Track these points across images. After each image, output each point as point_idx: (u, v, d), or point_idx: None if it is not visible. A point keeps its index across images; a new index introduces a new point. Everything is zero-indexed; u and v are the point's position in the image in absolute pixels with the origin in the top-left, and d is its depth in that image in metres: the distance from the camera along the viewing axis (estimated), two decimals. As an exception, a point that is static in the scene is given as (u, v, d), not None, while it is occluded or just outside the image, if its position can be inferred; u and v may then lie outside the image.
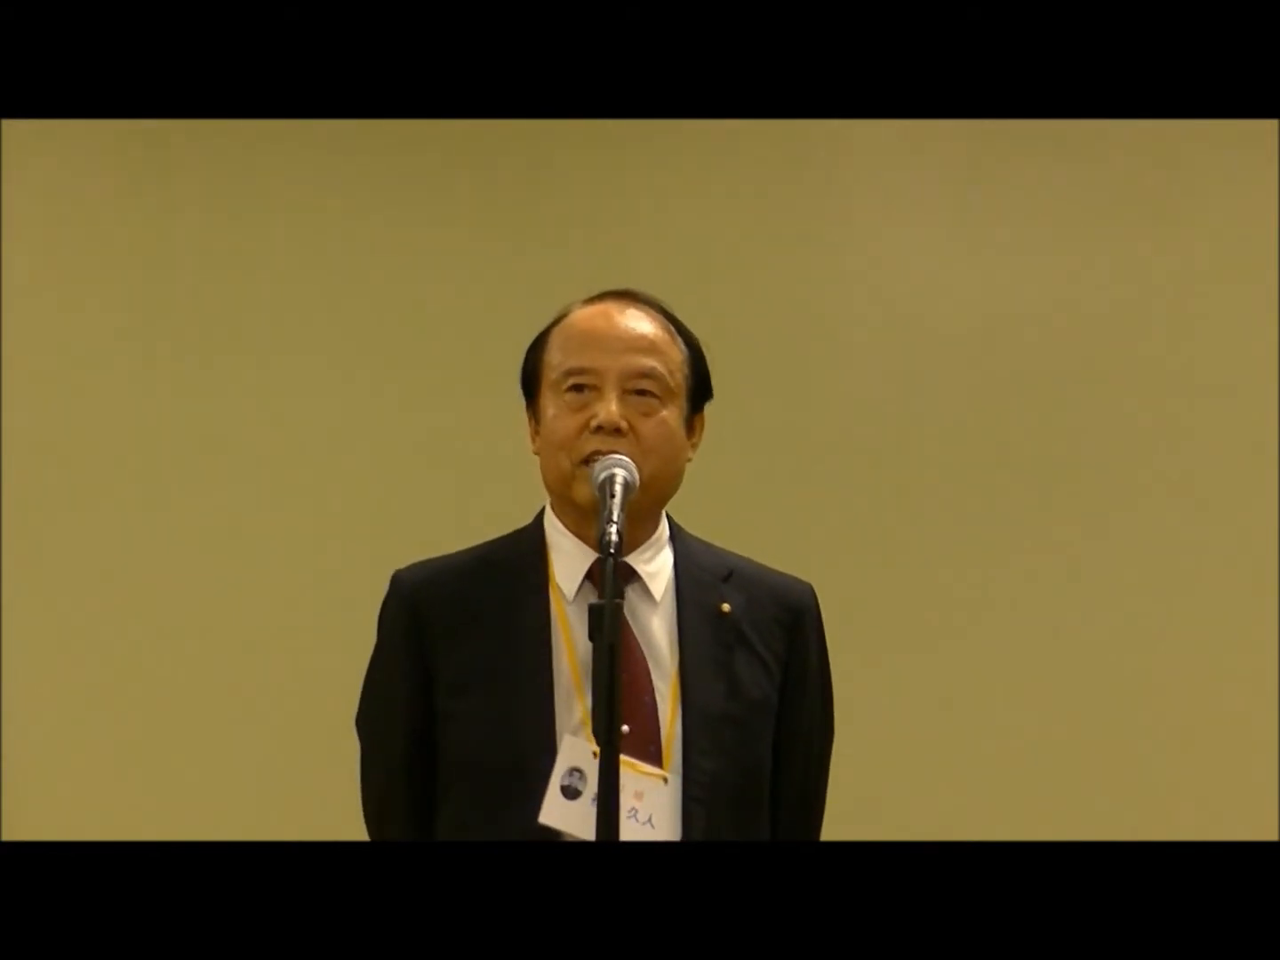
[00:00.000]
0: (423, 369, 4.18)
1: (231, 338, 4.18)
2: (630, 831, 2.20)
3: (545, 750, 2.25)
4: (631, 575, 2.33)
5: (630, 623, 2.30)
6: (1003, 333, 4.17)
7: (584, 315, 2.38)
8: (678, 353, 2.37)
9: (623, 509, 2.17)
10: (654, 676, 2.31)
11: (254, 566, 4.14)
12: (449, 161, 4.19)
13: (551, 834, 2.24)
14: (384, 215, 4.21)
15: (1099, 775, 4.07)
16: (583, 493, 2.28)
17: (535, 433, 2.39)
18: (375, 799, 2.41)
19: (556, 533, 2.38)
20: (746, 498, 4.04)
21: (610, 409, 2.29)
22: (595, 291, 2.42)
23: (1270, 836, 3.92)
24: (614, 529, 2.12)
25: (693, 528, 2.45)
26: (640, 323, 2.36)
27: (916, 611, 4.12)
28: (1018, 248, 4.20)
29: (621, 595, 2.13)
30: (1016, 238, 4.20)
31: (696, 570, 2.39)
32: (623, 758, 2.15)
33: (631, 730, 2.24)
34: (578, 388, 2.32)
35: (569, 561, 2.35)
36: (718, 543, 2.46)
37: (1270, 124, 4.04)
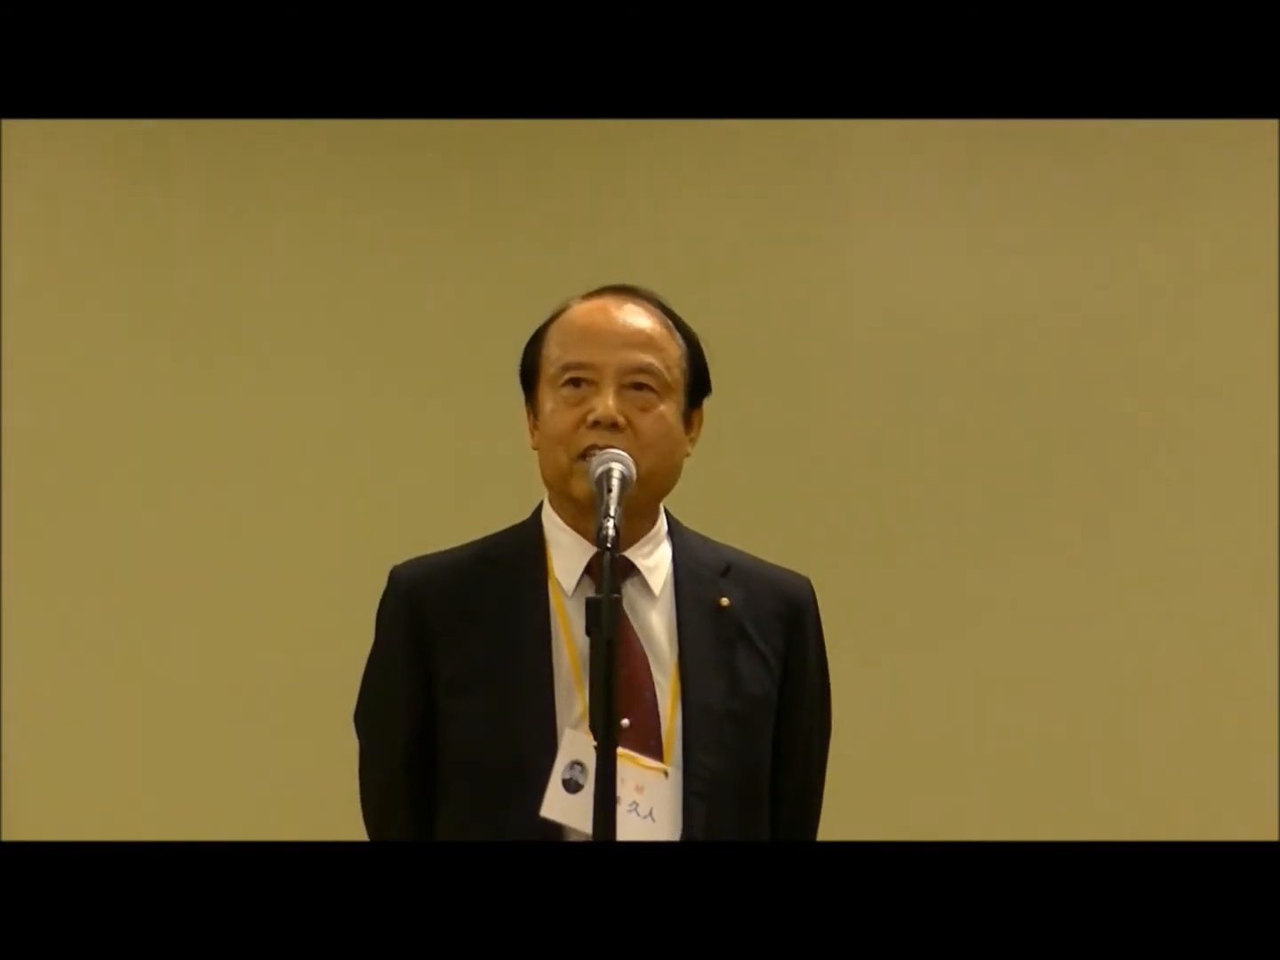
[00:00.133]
0: (421, 367, 4.18)
1: (231, 337, 4.19)
2: (631, 825, 2.21)
3: (546, 747, 2.25)
4: (630, 570, 2.34)
5: (630, 617, 2.30)
6: (1003, 332, 4.17)
7: (582, 310, 2.38)
8: (675, 348, 2.37)
9: (620, 504, 2.17)
10: (654, 671, 2.31)
11: (252, 565, 4.14)
12: (448, 161, 4.19)
13: (553, 828, 2.24)
14: (383, 215, 4.21)
15: (1099, 775, 4.07)
16: (580, 487, 2.28)
17: (534, 428, 2.39)
18: (375, 797, 2.41)
19: (555, 528, 2.38)
20: (746, 495, 4.04)
21: (607, 403, 2.30)
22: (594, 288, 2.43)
23: (1270, 836, 3.92)
24: (611, 524, 2.12)
25: (692, 524, 2.45)
26: (638, 318, 2.36)
27: (915, 611, 4.12)
28: (1018, 247, 4.20)
29: (620, 590, 2.12)
30: (1017, 237, 4.20)
31: (695, 565, 2.39)
32: (624, 752, 2.16)
33: (632, 724, 2.24)
34: (575, 382, 2.33)
35: (568, 556, 2.35)
36: (716, 539, 2.46)
37: (1270, 124, 4.04)
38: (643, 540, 2.36)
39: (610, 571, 2.06)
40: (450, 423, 4.14)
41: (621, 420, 2.29)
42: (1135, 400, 4.15)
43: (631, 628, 2.31)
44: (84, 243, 4.21)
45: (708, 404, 2.43)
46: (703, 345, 2.41)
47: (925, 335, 4.17)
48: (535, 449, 2.38)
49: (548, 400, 2.34)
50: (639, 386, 2.32)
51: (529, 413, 2.41)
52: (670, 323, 2.38)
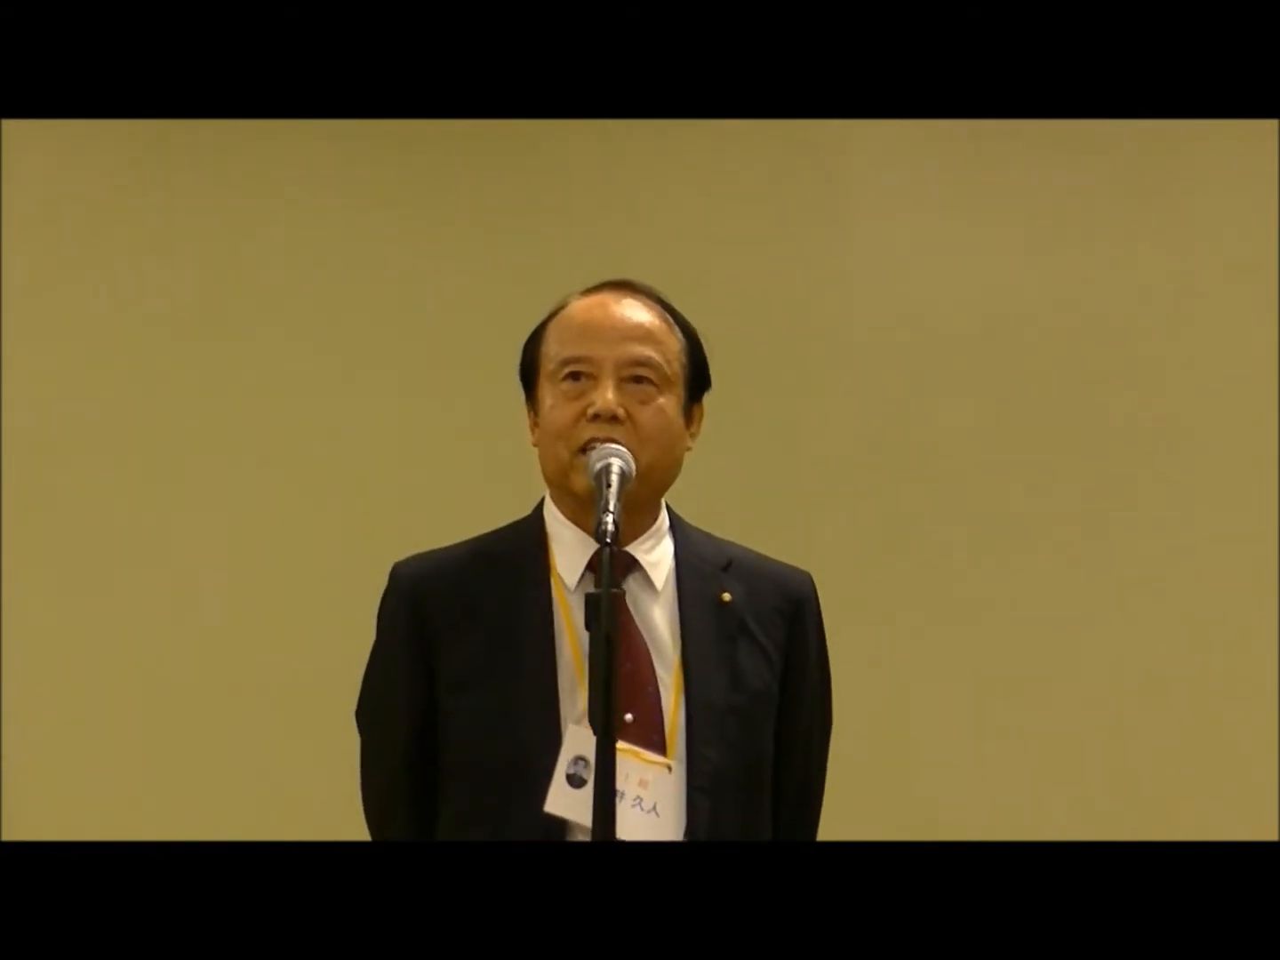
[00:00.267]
0: (422, 364, 4.18)
1: (232, 334, 4.18)
2: (635, 820, 2.21)
3: (549, 742, 2.25)
4: (633, 565, 2.34)
5: (632, 612, 2.31)
6: (1002, 330, 4.17)
7: (581, 306, 2.38)
8: (675, 342, 2.37)
9: (619, 499, 2.17)
10: (656, 666, 2.31)
11: (253, 562, 4.14)
12: (450, 158, 4.19)
13: (557, 823, 2.24)
14: (384, 213, 4.20)
15: (1099, 775, 4.07)
16: (580, 482, 2.28)
17: (534, 424, 2.39)
18: (376, 795, 2.41)
19: (556, 523, 2.38)
20: (746, 491, 4.05)
21: (607, 396, 2.30)
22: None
23: (1270, 836, 3.92)
24: (610, 519, 2.12)
25: (693, 519, 2.45)
26: (637, 312, 2.36)
27: (914, 608, 4.11)
28: (1018, 245, 4.20)
29: (622, 585, 2.12)
30: (1017, 235, 4.20)
31: (697, 560, 2.39)
32: (627, 746, 2.17)
33: (635, 719, 2.25)
34: (575, 376, 2.33)
35: (570, 552, 2.35)
36: (717, 534, 2.46)
37: (1270, 124, 4.04)
38: (644, 535, 2.36)
39: (609, 566, 2.06)
40: (451, 419, 4.14)
41: (621, 413, 2.29)
42: (1135, 399, 4.15)
43: (634, 623, 2.31)
44: (85, 240, 4.21)
45: (708, 401, 2.43)
46: (703, 341, 2.41)
47: (925, 333, 4.17)
48: (536, 445, 2.38)
49: (547, 395, 2.34)
50: (639, 380, 2.32)
51: (529, 410, 2.41)
52: (669, 317, 2.38)
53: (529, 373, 2.40)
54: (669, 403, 2.34)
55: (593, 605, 2.04)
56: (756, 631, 2.37)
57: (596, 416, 2.29)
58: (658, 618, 2.34)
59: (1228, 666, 4.09)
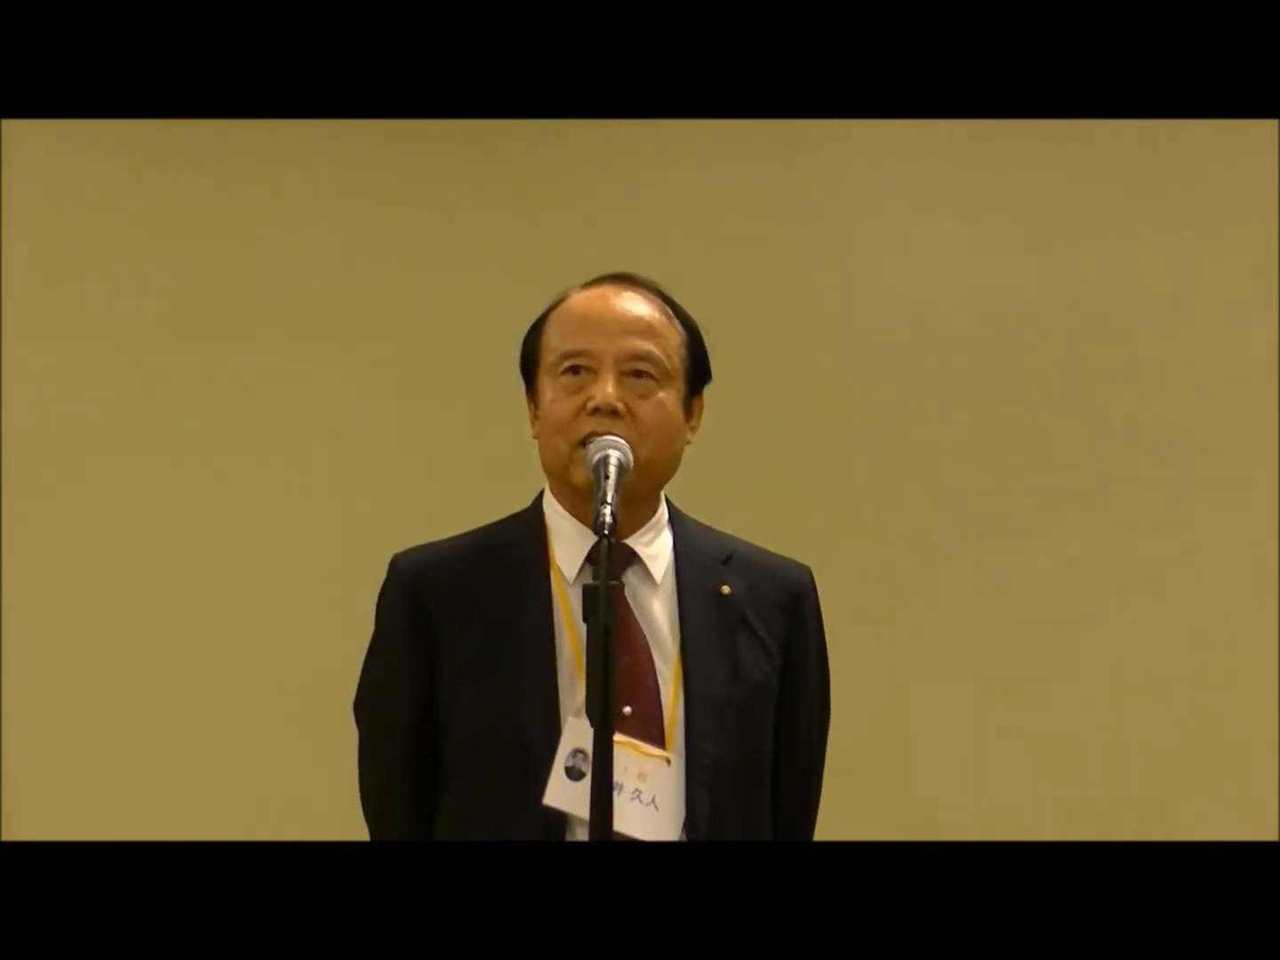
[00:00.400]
0: (422, 357, 4.18)
1: (233, 331, 4.18)
2: (634, 812, 2.22)
3: (549, 735, 2.26)
4: (632, 557, 2.34)
5: (631, 605, 2.31)
6: (1002, 326, 4.17)
7: (581, 299, 2.39)
8: (675, 335, 2.37)
9: (617, 490, 2.17)
10: (656, 659, 2.31)
11: (252, 557, 4.14)
12: (450, 158, 4.19)
13: (556, 816, 2.24)
14: (384, 210, 4.20)
15: (1099, 775, 4.07)
16: (580, 475, 2.28)
17: (534, 417, 2.39)
18: (375, 788, 2.41)
19: (556, 515, 2.38)
20: (746, 484, 4.05)
21: (607, 390, 2.30)
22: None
23: (1270, 836, 3.92)
24: (608, 510, 2.11)
25: (693, 513, 2.46)
26: (637, 305, 2.36)
27: (913, 606, 4.11)
28: (1018, 242, 4.20)
29: (619, 578, 2.12)
30: (1017, 232, 4.20)
31: (696, 553, 2.39)
32: (626, 739, 2.17)
33: (634, 712, 2.25)
34: (575, 370, 2.33)
35: (569, 544, 2.35)
36: (717, 528, 2.46)
37: (1270, 124, 4.04)
38: (644, 528, 2.37)
39: (608, 558, 2.06)
40: (450, 413, 4.14)
41: (621, 407, 2.30)
42: (1135, 398, 4.15)
43: (633, 615, 2.31)
44: (84, 239, 4.21)
45: (709, 394, 2.43)
46: (703, 335, 2.42)
47: (925, 330, 4.17)
48: (535, 438, 2.39)
49: (547, 389, 2.35)
50: (639, 374, 2.33)
51: (529, 403, 2.41)
52: (669, 310, 2.39)
53: (529, 365, 2.41)
54: (669, 397, 2.34)
55: (590, 597, 2.03)
56: (756, 625, 2.37)
57: (596, 410, 2.29)
58: (657, 610, 2.34)
59: (1228, 666, 4.09)
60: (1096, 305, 4.17)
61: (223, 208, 4.20)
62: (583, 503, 2.30)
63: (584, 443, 2.28)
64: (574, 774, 2.24)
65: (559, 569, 2.35)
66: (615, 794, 2.06)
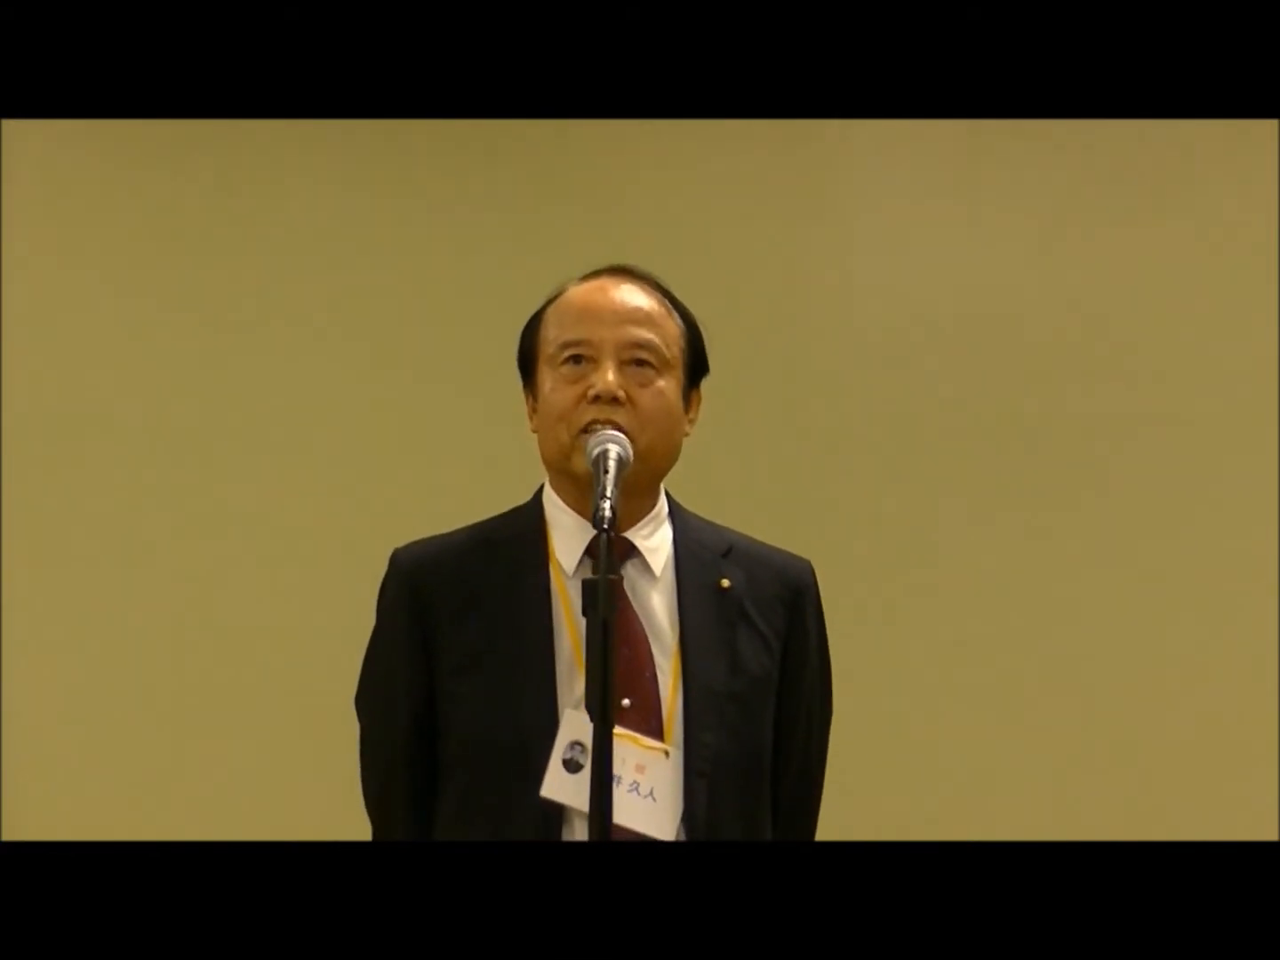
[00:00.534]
0: (422, 354, 4.18)
1: (234, 327, 4.18)
2: (632, 805, 2.22)
3: (547, 728, 2.26)
4: (631, 551, 2.34)
5: (630, 598, 2.32)
6: (1002, 325, 4.17)
7: (580, 291, 2.40)
8: (674, 326, 2.38)
9: (616, 485, 2.18)
10: (655, 652, 2.32)
11: (253, 555, 4.14)
12: (450, 158, 4.19)
13: (555, 808, 2.25)
14: (384, 209, 4.20)
15: (1099, 775, 4.07)
16: (581, 464, 2.28)
17: (532, 411, 2.40)
18: (377, 781, 2.42)
19: (556, 509, 2.39)
20: (747, 479, 4.05)
21: (608, 378, 2.30)
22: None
23: (1270, 836, 3.92)
24: (607, 504, 2.12)
25: (694, 508, 2.46)
26: (636, 296, 2.37)
27: (913, 603, 4.11)
28: (1018, 242, 4.20)
29: (620, 571, 2.12)
30: (1016, 225, 4.20)
31: (696, 546, 2.40)
32: (624, 732, 2.17)
33: (633, 705, 2.26)
34: (575, 359, 2.34)
35: (568, 537, 2.36)
36: (717, 521, 2.47)
37: (1270, 124, 4.04)
38: (643, 521, 2.37)
39: (607, 552, 2.06)
40: (450, 407, 4.14)
41: (622, 394, 2.30)
42: (1135, 394, 4.15)
43: (632, 609, 2.32)
44: (84, 239, 4.22)
45: (710, 389, 2.44)
46: (702, 328, 2.43)
47: (925, 325, 4.17)
48: (534, 431, 2.39)
49: (547, 379, 2.35)
50: (639, 363, 2.33)
51: (527, 396, 2.42)
52: (667, 302, 2.40)
53: (527, 359, 2.41)
54: (669, 385, 2.35)
55: (590, 591, 2.04)
56: (756, 618, 2.37)
57: (597, 398, 2.30)
58: (656, 604, 2.35)
59: (1228, 666, 4.09)
60: (1096, 304, 4.17)
61: (223, 207, 4.20)
62: (583, 494, 2.30)
63: (585, 430, 2.29)
64: (572, 766, 2.25)
65: (558, 562, 2.35)
66: (614, 786, 2.06)
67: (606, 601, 2.03)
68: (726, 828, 2.29)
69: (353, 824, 2.50)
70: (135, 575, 4.13)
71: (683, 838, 2.27)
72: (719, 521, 2.47)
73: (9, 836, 3.96)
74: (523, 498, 2.44)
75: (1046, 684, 4.10)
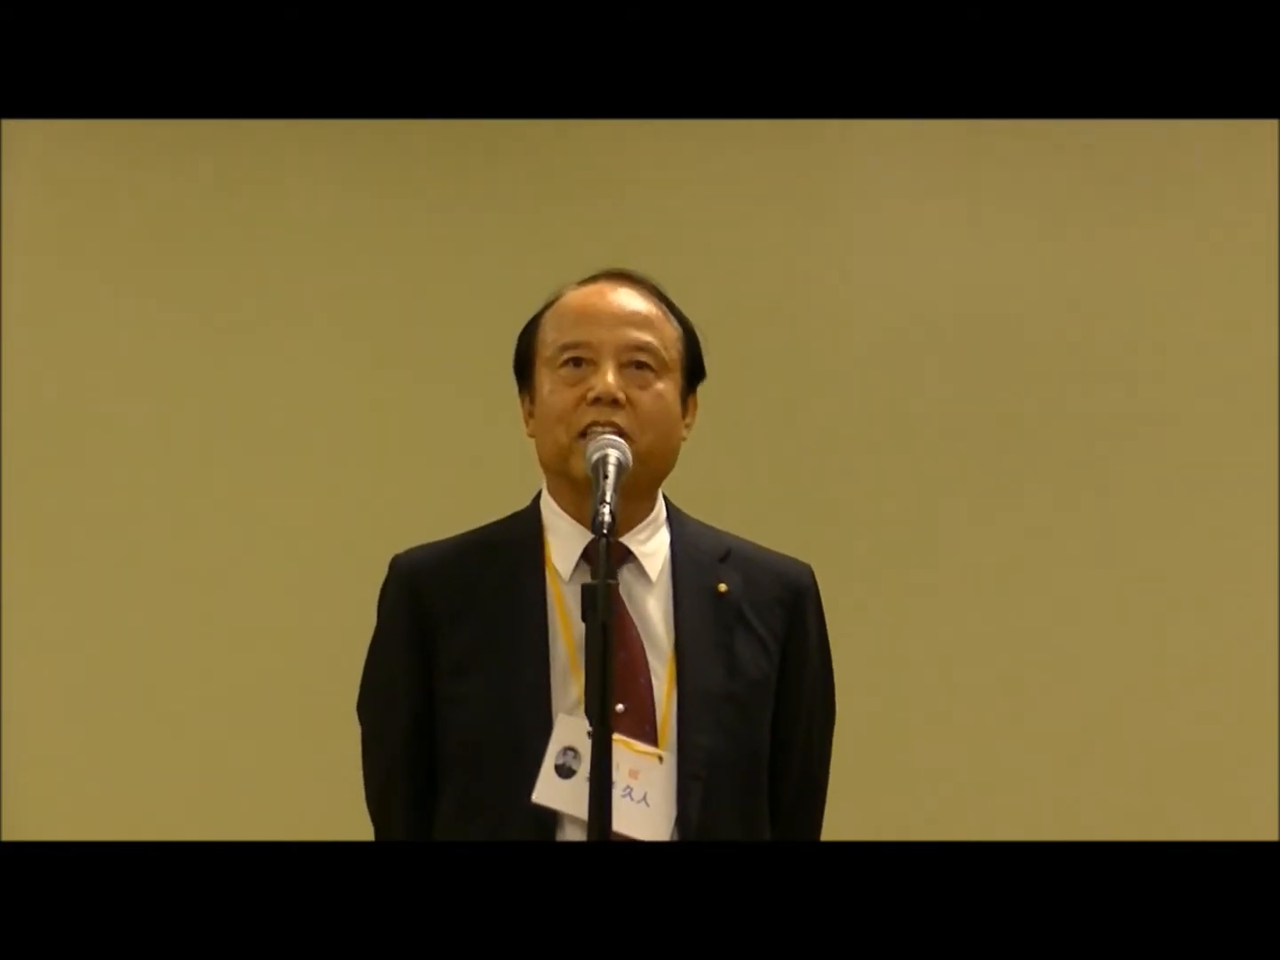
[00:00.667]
0: (422, 359, 4.18)
1: (230, 333, 4.18)
2: (625, 809, 2.22)
3: (543, 731, 2.27)
4: (627, 555, 2.34)
5: (626, 603, 2.32)
6: (1002, 325, 4.17)
7: (578, 294, 2.40)
8: (672, 329, 2.39)
9: (615, 490, 2.18)
10: (650, 656, 2.32)
11: (254, 559, 4.14)
12: (450, 158, 4.19)
13: (549, 812, 2.25)
14: (384, 208, 4.20)
15: (1099, 775, 4.07)
16: (580, 466, 2.29)
17: (529, 415, 2.41)
18: (377, 781, 2.43)
19: (553, 514, 2.39)
20: (746, 482, 4.05)
21: (607, 380, 2.31)
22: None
23: (1270, 836, 3.92)
24: (606, 509, 2.12)
25: (692, 506, 2.46)
26: (634, 300, 2.38)
27: (913, 604, 4.11)
28: (1018, 241, 4.20)
29: (616, 575, 2.12)
30: (1016, 224, 4.19)
31: (694, 551, 2.40)
32: (618, 737, 2.16)
33: (627, 709, 2.25)
34: (575, 361, 2.34)
35: (565, 542, 2.36)
36: (716, 524, 2.47)
37: (1270, 124, 4.04)
38: (640, 526, 2.37)
39: (606, 556, 2.06)
40: (452, 411, 4.14)
41: (622, 396, 2.31)
42: (1135, 393, 4.15)
43: (628, 613, 2.32)
44: (85, 239, 4.22)
45: (710, 391, 2.44)
46: (701, 332, 2.43)
47: (925, 326, 4.17)
48: (531, 435, 2.40)
49: (545, 381, 2.36)
50: (638, 365, 2.34)
51: (523, 400, 2.42)
52: (665, 306, 2.40)
53: (524, 362, 2.42)
54: (667, 388, 2.35)
55: (589, 595, 2.04)
56: (754, 621, 2.37)
57: (597, 400, 2.30)
58: (652, 608, 2.35)
59: (1228, 666, 4.09)
60: (1096, 304, 4.17)
61: (223, 207, 4.20)
62: (581, 498, 2.31)
63: (584, 433, 2.29)
64: (564, 771, 2.26)
65: (554, 567, 2.36)
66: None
67: (605, 606, 2.03)
68: (722, 831, 2.29)
69: (352, 824, 2.50)
70: (135, 575, 4.13)
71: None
72: (718, 520, 2.47)
73: (9, 836, 3.96)
74: (522, 497, 2.44)
75: (1046, 684, 4.10)
